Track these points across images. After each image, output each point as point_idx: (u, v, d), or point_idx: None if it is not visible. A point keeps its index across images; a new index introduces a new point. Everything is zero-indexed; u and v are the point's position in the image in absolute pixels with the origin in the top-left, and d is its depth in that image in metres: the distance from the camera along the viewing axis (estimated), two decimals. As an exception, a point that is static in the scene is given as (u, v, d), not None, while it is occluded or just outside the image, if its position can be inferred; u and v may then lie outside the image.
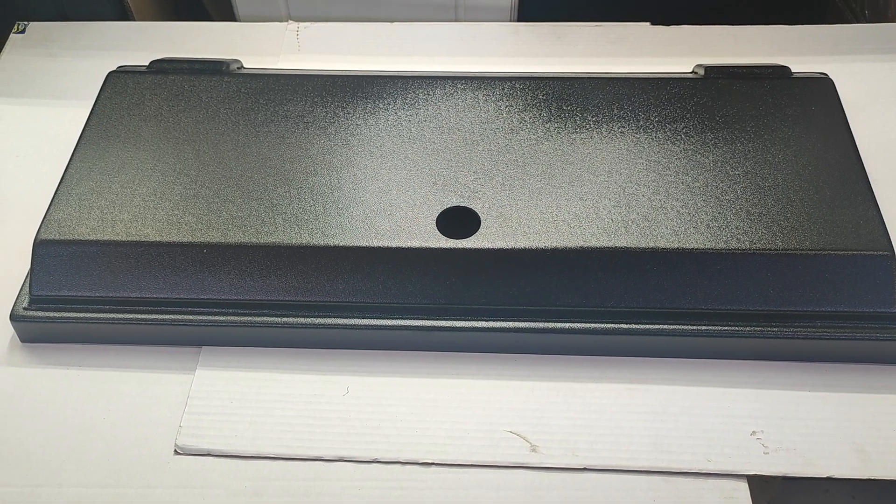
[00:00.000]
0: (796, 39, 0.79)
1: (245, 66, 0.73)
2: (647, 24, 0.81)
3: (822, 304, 0.54)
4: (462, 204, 0.57)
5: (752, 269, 0.54)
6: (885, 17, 0.85)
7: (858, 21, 0.90)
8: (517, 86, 0.65)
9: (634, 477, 0.51)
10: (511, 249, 0.55)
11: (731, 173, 0.58)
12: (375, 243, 0.55)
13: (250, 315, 0.56)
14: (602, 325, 0.55)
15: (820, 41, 0.79)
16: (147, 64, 0.69)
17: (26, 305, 0.57)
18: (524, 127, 0.62)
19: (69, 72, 0.78)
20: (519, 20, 0.84)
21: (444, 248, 0.55)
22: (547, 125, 0.62)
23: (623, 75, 0.67)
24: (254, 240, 0.56)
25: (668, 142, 0.61)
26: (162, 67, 0.68)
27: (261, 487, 0.51)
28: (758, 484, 0.53)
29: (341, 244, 0.55)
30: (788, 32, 0.80)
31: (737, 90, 0.64)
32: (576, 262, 0.55)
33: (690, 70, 0.70)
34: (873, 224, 0.55)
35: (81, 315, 0.56)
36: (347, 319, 0.56)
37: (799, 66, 0.68)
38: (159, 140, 0.62)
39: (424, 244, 0.55)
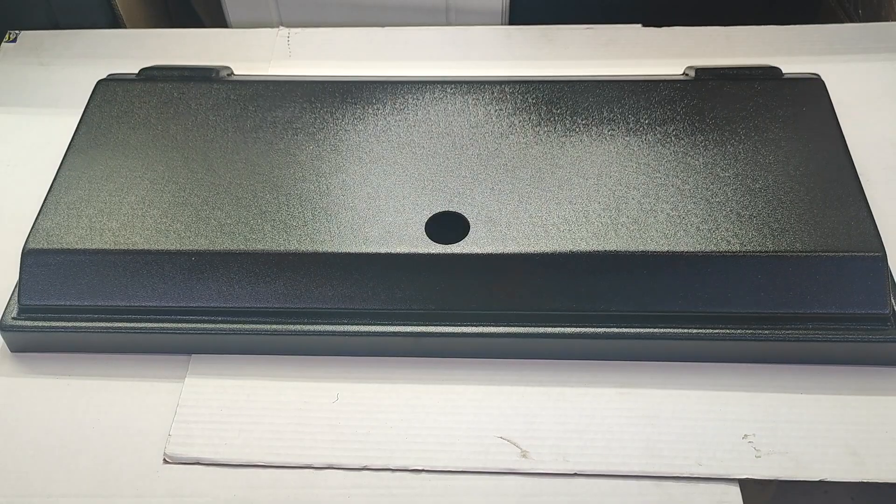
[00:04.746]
0: (789, 39, 0.79)
1: (236, 72, 0.73)
2: (639, 25, 0.81)
3: (814, 306, 0.54)
4: (451, 209, 0.57)
5: (743, 271, 0.54)
6: (878, 17, 0.84)
7: (852, 21, 0.89)
8: (506, 89, 0.65)
9: (625, 482, 0.51)
10: (500, 254, 0.55)
11: (722, 175, 0.58)
12: (364, 249, 0.55)
13: (239, 322, 0.56)
14: (592, 330, 0.55)
15: (813, 41, 0.79)
16: (137, 72, 0.69)
17: (15, 315, 0.57)
18: (513, 131, 0.62)
19: (61, 80, 0.78)
20: (510, 23, 0.84)
21: (432, 254, 0.55)
22: (536, 129, 0.62)
23: (613, 78, 0.67)
24: (243, 247, 0.56)
25: (659, 144, 0.60)
26: (151, 75, 0.68)
27: (250, 496, 0.51)
28: (752, 488, 0.53)
29: (330, 250, 0.55)
30: (781, 33, 0.80)
31: (727, 92, 0.64)
32: (566, 266, 0.55)
33: (682, 72, 0.70)
34: (864, 225, 0.55)
35: (70, 324, 0.56)
36: (336, 326, 0.55)
37: (792, 66, 0.68)
38: (148, 148, 0.62)
39: (413, 250, 0.55)
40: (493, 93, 0.65)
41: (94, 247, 0.56)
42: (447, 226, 0.56)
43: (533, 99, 0.64)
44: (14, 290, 0.58)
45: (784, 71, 0.67)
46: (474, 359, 0.56)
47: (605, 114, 0.63)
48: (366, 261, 0.55)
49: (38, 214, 0.58)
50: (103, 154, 0.61)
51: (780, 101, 0.63)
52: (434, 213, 0.57)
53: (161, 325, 0.56)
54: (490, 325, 0.55)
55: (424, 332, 0.55)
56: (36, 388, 0.56)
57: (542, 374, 0.56)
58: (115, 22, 0.86)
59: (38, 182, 0.65)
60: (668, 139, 0.61)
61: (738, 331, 0.54)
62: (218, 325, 0.56)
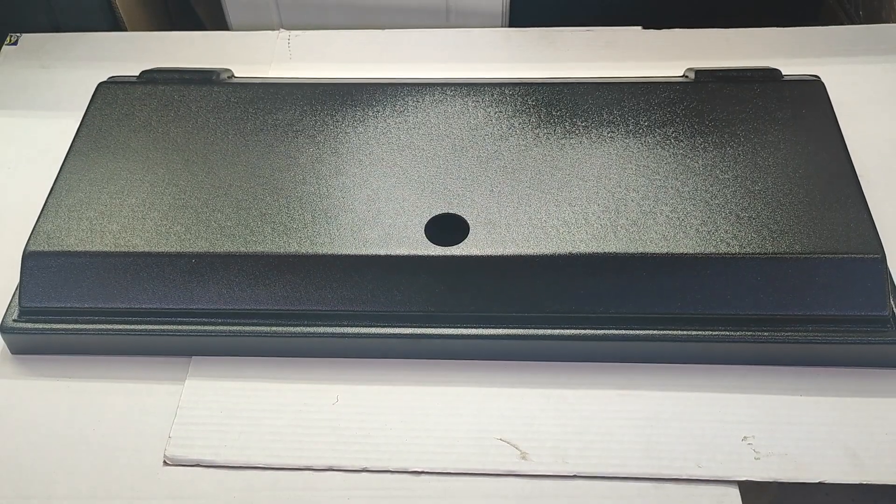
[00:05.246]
0: (789, 42, 0.79)
1: (236, 74, 0.73)
2: (639, 28, 0.81)
3: (814, 308, 0.54)
4: (451, 211, 0.57)
5: (742, 273, 0.54)
6: (878, 19, 0.84)
7: (852, 22, 0.89)
8: (506, 92, 0.65)
9: (625, 484, 0.51)
10: (500, 256, 0.55)
11: (721, 177, 0.58)
12: (364, 251, 0.55)
13: (240, 325, 0.56)
14: (592, 332, 0.55)
15: (813, 43, 0.79)
16: (137, 74, 0.69)
17: (16, 317, 0.57)
18: (513, 133, 0.62)
19: (62, 83, 0.78)
20: (510, 26, 0.84)
21: (432, 256, 0.55)
22: (536, 131, 0.62)
23: (612, 80, 0.67)
24: (243, 249, 0.56)
25: (658, 146, 0.60)
26: (152, 77, 0.68)
27: (250, 497, 0.51)
28: (752, 490, 0.53)
29: (330, 252, 0.55)
30: (781, 35, 0.80)
31: (727, 93, 0.64)
32: (565, 268, 0.55)
33: (681, 74, 0.70)
34: (864, 226, 0.55)
35: (71, 326, 0.56)
36: (337, 328, 0.56)
37: (792, 68, 0.68)
38: (149, 150, 0.62)
39: (413, 252, 0.55)
40: (492, 95, 0.65)
41: (94, 249, 0.56)
42: (447, 228, 0.56)
43: (532, 101, 0.64)
44: (15, 293, 0.58)
45: (784, 73, 0.67)
46: (474, 361, 0.56)
47: (604, 116, 0.63)
48: (366, 263, 0.55)
49: (39, 217, 0.58)
50: (104, 156, 0.62)
51: (780, 102, 0.63)
52: (434, 215, 0.57)
53: (161, 327, 0.56)
54: (490, 327, 0.55)
55: (424, 334, 0.55)
56: (36, 390, 0.56)
57: (541, 376, 0.56)
58: (116, 25, 0.86)
59: (39, 185, 0.65)
60: (668, 141, 0.61)
61: (738, 333, 0.54)
62: (218, 328, 0.56)
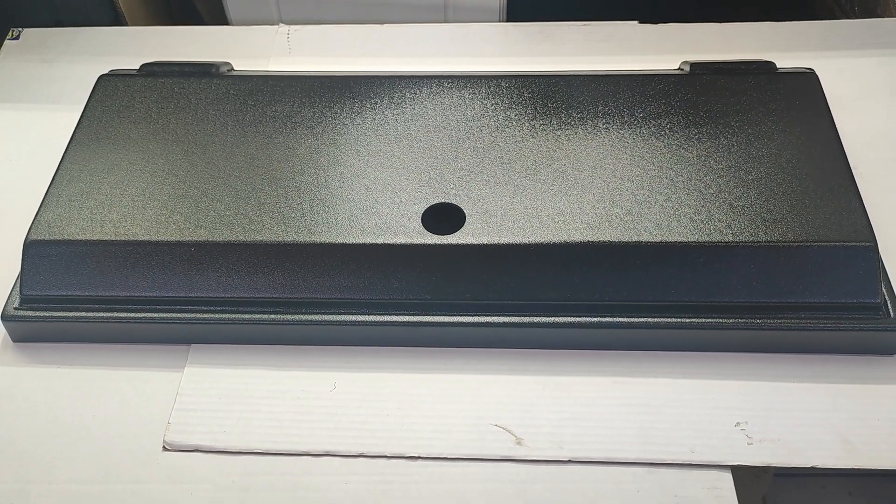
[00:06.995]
0: (785, 36, 0.80)
1: (236, 68, 0.73)
2: (635, 22, 0.81)
3: (806, 296, 0.54)
4: (447, 200, 0.58)
5: (735, 261, 0.55)
6: (873, 13, 0.85)
7: (847, 17, 0.90)
8: (503, 84, 0.66)
9: (619, 469, 0.51)
10: (496, 245, 0.55)
11: (716, 167, 0.59)
12: (362, 240, 0.56)
13: (239, 312, 0.57)
14: (587, 319, 0.55)
15: (808, 37, 0.79)
16: (138, 67, 0.70)
17: (17, 305, 0.57)
18: (510, 124, 0.63)
19: (63, 77, 0.79)
20: (507, 20, 0.85)
21: (429, 245, 0.55)
22: (532, 122, 0.63)
23: (608, 72, 0.67)
24: (242, 238, 0.56)
25: (653, 137, 0.61)
26: (152, 70, 0.69)
27: (248, 482, 0.51)
28: (748, 479, 0.53)
29: (328, 241, 0.56)
30: (777, 29, 0.80)
31: (721, 85, 0.64)
32: (560, 256, 0.55)
33: (677, 67, 0.70)
34: (856, 215, 0.55)
35: (72, 314, 0.57)
36: (334, 316, 0.56)
37: (787, 62, 0.68)
38: (149, 141, 0.63)
39: (410, 240, 0.56)
40: (489, 87, 0.65)
41: (95, 238, 0.57)
42: (444, 217, 0.57)
43: (529, 93, 0.65)
44: (16, 281, 0.58)
45: (779, 66, 0.67)
46: (470, 348, 0.57)
47: (600, 107, 0.63)
48: (363, 251, 0.56)
49: (40, 206, 0.59)
50: (104, 147, 0.62)
51: (774, 94, 0.63)
52: (431, 204, 0.57)
53: (161, 314, 0.57)
54: (486, 315, 0.56)
55: (421, 322, 0.56)
56: (37, 377, 0.57)
57: (537, 364, 0.56)
58: (117, 20, 0.87)
59: (40, 177, 0.66)
60: (663, 132, 0.61)
61: (731, 320, 0.55)
62: (217, 315, 0.56)
